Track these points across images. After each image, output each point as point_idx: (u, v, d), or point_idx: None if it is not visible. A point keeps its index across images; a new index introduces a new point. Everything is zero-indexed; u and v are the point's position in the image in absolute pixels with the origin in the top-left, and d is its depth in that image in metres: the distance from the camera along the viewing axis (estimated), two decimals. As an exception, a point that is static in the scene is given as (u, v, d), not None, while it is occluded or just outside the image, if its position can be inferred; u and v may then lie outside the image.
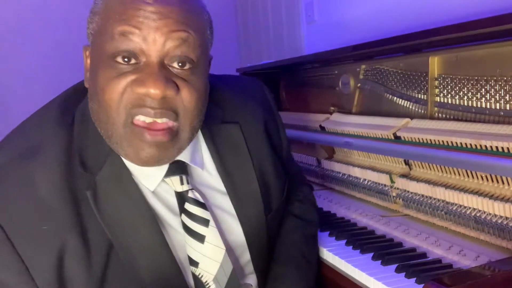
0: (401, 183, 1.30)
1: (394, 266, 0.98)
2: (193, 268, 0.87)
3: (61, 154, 0.77)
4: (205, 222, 0.87)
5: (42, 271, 0.72)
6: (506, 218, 1.01)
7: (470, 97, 1.17)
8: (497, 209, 1.02)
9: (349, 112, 1.63)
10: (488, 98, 1.12)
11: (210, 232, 0.87)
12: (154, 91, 0.74)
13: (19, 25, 2.40)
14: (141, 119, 0.77)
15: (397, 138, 1.31)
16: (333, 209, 1.42)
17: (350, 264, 1.02)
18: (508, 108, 1.07)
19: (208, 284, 0.87)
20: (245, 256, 0.96)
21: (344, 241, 1.15)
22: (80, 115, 0.84)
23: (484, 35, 1.05)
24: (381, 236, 1.18)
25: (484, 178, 1.09)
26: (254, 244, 0.96)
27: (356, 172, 1.49)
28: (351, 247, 1.11)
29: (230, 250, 0.92)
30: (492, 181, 1.07)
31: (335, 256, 1.07)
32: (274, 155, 1.03)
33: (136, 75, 0.75)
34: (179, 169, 0.87)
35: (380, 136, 1.37)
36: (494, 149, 1.03)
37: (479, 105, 1.15)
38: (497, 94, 1.10)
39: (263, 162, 0.99)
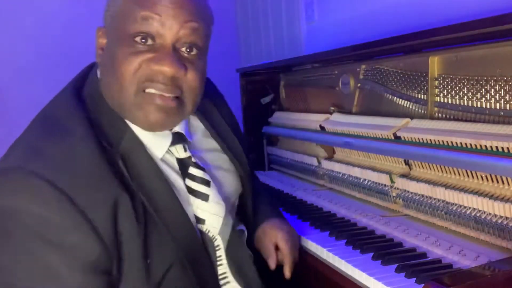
0: (401, 183, 1.30)
1: (394, 266, 0.98)
2: (200, 226, 0.97)
3: (90, 133, 0.86)
4: (207, 183, 0.99)
5: (104, 227, 0.80)
6: (506, 218, 1.01)
7: (470, 97, 1.17)
8: (497, 209, 1.02)
9: (349, 112, 1.63)
10: (488, 98, 1.12)
11: (212, 191, 0.99)
12: (168, 69, 0.87)
13: (19, 25, 2.40)
14: (151, 91, 0.89)
15: (397, 138, 1.31)
16: (333, 209, 1.43)
17: (350, 264, 1.02)
18: (508, 108, 1.07)
19: (214, 237, 0.99)
20: (235, 207, 1.12)
21: (344, 241, 1.15)
22: (90, 99, 0.92)
23: (484, 35, 1.05)
24: (381, 236, 1.18)
25: (484, 178, 1.09)
26: (245, 193, 1.14)
27: (356, 172, 1.49)
28: (351, 247, 1.11)
29: (226, 203, 1.03)
30: (492, 181, 1.07)
31: (335, 256, 1.07)
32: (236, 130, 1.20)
33: (153, 54, 0.87)
34: (181, 139, 0.99)
35: (380, 136, 1.37)
36: (494, 149, 1.03)
37: (479, 105, 1.15)
38: (497, 94, 1.10)
39: (234, 131, 1.16)
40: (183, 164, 0.98)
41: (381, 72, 1.48)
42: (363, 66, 1.57)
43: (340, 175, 1.58)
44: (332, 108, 1.71)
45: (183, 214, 0.92)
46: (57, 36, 2.38)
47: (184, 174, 0.97)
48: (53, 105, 0.93)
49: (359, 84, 1.59)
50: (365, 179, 1.45)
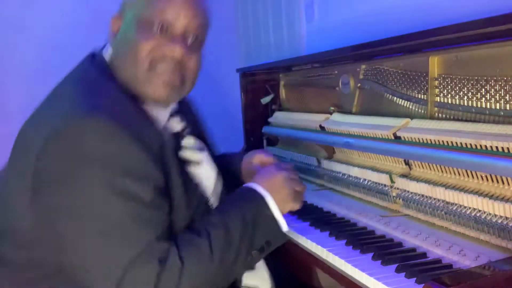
0: (401, 183, 1.30)
1: (394, 266, 0.98)
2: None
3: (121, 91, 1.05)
4: (200, 150, 1.18)
5: (159, 162, 0.98)
6: (506, 218, 1.01)
7: (470, 97, 1.17)
8: (497, 209, 1.02)
9: (349, 112, 1.63)
10: (488, 98, 1.12)
11: (204, 156, 1.18)
12: (179, 52, 1.04)
13: (20, 25, 2.40)
14: (162, 68, 1.05)
15: (397, 138, 1.31)
16: (333, 209, 1.42)
17: (350, 264, 1.02)
18: (508, 108, 1.07)
19: (208, 197, 1.15)
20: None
21: (344, 241, 1.15)
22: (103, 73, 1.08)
23: (484, 35, 1.05)
24: (381, 236, 1.18)
25: (484, 178, 1.09)
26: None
27: (356, 172, 1.49)
28: (351, 247, 1.11)
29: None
30: (492, 181, 1.07)
31: (335, 256, 1.07)
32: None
33: (166, 40, 1.04)
34: (177, 112, 1.17)
35: (380, 136, 1.37)
36: (494, 149, 1.03)
37: (479, 105, 1.15)
38: (497, 94, 1.10)
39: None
40: (178, 137, 1.14)
41: (381, 72, 1.48)
42: (363, 66, 1.57)
43: (340, 175, 1.58)
44: (332, 108, 1.71)
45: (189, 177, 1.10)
46: (58, 36, 2.38)
47: (179, 147, 1.13)
48: (78, 72, 1.08)
49: (359, 84, 1.59)
50: (365, 179, 1.45)
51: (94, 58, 1.10)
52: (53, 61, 2.31)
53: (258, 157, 1.37)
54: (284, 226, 1.08)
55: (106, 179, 0.91)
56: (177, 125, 1.16)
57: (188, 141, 1.16)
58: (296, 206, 1.13)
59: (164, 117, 1.12)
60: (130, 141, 0.93)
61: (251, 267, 1.08)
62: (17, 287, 1.01)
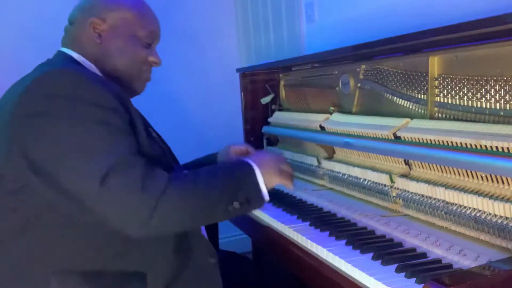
0: (401, 183, 1.30)
1: (394, 266, 0.98)
2: None
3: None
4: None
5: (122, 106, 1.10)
6: (506, 218, 1.01)
7: (470, 97, 1.17)
8: (497, 209, 1.02)
9: (349, 112, 1.63)
10: (488, 98, 1.12)
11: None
12: (160, 60, 1.32)
13: (20, 25, 2.40)
14: (147, 70, 1.31)
15: (397, 138, 1.31)
16: (333, 209, 1.42)
17: (350, 264, 1.02)
18: (508, 108, 1.07)
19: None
20: None
21: (344, 241, 1.15)
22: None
23: (484, 35, 1.05)
24: (381, 236, 1.18)
25: (484, 178, 1.09)
26: None
27: (356, 172, 1.49)
28: (351, 247, 1.11)
29: None
30: (492, 181, 1.07)
31: (335, 256, 1.07)
32: None
33: (150, 50, 1.30)
34: None
35: (380, 136, 1.37)
36: (494, 149, 1.03)
37: (479, 105, 1.15)
38: (497, 94, 1.10)
39: None
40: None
41: (381, 72, 1.48)
42: (363, 66, 1.57)
43: (340, 175, 1.58)
44: (332, 108, 1.71)
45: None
46: (58, 37, 2.38)
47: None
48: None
49: (359, 84, 1.59)
50: (365, 179, 1.45)
51: (59, 56, 1.25)
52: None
53: (233, 150, 1.48)
54: (266, 196, 1.14)
55: (80, 111, 1.03)
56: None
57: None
58: (284, 181, 1.21)
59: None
60: (99, 86, 1.07)
61: (229, 217, 1.13)
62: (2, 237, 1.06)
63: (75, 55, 1.24)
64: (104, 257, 1.07)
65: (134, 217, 1.00)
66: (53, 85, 1.05)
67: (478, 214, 1.07)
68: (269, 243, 1.39)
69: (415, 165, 1.31)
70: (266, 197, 1.14)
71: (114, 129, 1.05)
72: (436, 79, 1.27)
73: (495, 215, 1.03)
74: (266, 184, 1.13)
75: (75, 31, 1.26)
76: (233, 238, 2.52)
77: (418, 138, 1.23)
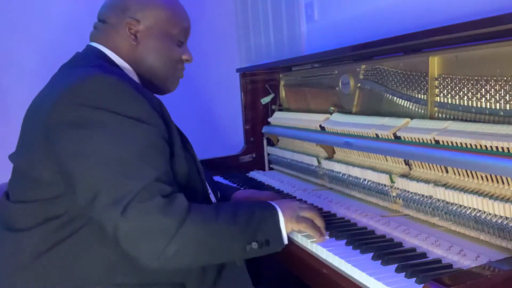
0: (401, 183, 1.30)
1: (394, 266, 0.98)
2: None
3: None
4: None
5: (161, 118, 1.10)
6: (506, 218, 1.01)
7: (470, 97, 1.17)
8: (497, 209, 1.02)
9: (349, 112, 1.63)
10: (488, 98, 1.12)
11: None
12: (192, 57, 1.33)
13: (20, 26, 2.40)
14: (181, 69, 1.33)
15: (397, 138, 1.31)
16: (333, 209, 1.42)
17: (350, 264, 1.02)
18: (508, 108, 1.07)
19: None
20: None
21: (344, 241, 1.15)
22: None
23: (484, 35, 1.05)
24: (381, 236, 1.18)
25: (484, 178, 1.09)
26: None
27: (356, 172, 1.49)
28: (351, 247, 1.11)
29: None
30: (492, 181, 1.07)
31: (335, 256, 1.07)
32: None
33: (184, 49, 1.32)
34: None
35: (380, 136, 1.37)
36: (494, 149, 1.03)
37: (479, 105, 1.15)
38: (497, 94, 1.10)
39: None
40: None
41: (381, 72, 1.48)
42: (363, 66, 1.57)
43: (340, 175, 1.58)
44: (332, 108, 1.71)
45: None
46: (59, 37, 2.38)
47: None
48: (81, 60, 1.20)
49: (359, 84, 1.59)
50: (365, 179, 1.45)
51: (85, 53, 1.23)
52: (54, 61, 2.32)
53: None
54: (285, 238, 1.12)
55: (119, 125, 1.01)
56: None
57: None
58: (304, 230, 1.17)
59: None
60: (138, 95, 1.05)
61: (246, 257, 1.12)
62: (40, 248, 1.05)
63: (110, 53, 1.22)
64: (140, 269, 1.04)
65: (150, 246, 0.98)
66: (90, 93, 1.02)
67: (478, 214, 1.07)
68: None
69: (415, 165, 1.31)
70: (286, 240, 1.13)
71: (148, 149, 1.02)
72: (436, 79, 1.27)
73: (495, 215, 1.03)
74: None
75: (108, 30, 1.24)
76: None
77: (418, 138, 1.23)
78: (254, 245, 1.07)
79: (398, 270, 0.96)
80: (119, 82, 1.05)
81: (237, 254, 1.08)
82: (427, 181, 1.22)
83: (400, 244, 1.11)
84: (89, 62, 1.16)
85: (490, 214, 1.04)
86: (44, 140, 1.03)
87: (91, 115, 1.01)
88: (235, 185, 1.80)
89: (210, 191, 1.28)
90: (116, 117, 1.01)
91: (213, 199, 1.28)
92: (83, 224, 1.04)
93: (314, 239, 1.16)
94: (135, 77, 1.23)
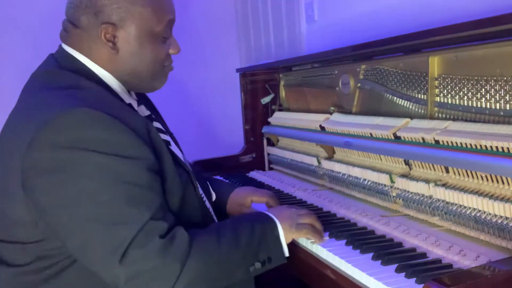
0: (401, 183, 1.30)
1: (394, 266, 0.98)
2: None
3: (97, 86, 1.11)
4: (166, 131, 1.27)
5: (147, 142, 1.02)
6: (506, 218, 1.01)
7: (470, 97, 1.17)
8: (497, 209, 1.02)
9: (349, 112, 1.63)
10: (488, 98, 1.12)
11: (171, 138, 1.25)
12: (179, 50, 1.19)
13: (19, 25, 2.40)
14: (168, 65, 1.19)
15: (397, 138, 1.31)
16: (333, 209, 1.42)
17: (350, 264, 1.02)
18: (508, 108, 1.07)
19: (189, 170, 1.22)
20: None
21: (344, 241, 1.15)
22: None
23: (484, 35, 1.05)
24: (381, 236, 1.18)
25: (484, 178, 1.09)
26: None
27: (356, 172, 1.49)
28: (351, 247, 1.11)
29: None
30: (492, 181, 1.07)
31: (335, 256, 1.07)
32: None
33: (169, 43, 1.16)
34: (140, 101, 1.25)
35: (380, 136, 1.37)
36: (494, 149, 1.03)
37: (479, 105, 1.15)
38: (497, 94, 1.10)
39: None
40: (147, 118, 1.17)
41: (381, 72, 1.48)
42: (363, 66, 1.57)
43: (340, 175, 1.58)
44: (332, 108, 1.71)
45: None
46: (57, 36, 2.38)
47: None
48: (51, 77, 1.09)
49: (359, 84, 1.59)
50: (365, 179, 1.45)
51: (60, 61, 1.12)
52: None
53: (253, 200, 1.43)
54: (286, 251, 1.12)
55: (99, 165, 0.94)
56: (145, 111, 1.23)
57: (156, 124, 1.22)
58: (305, 236, 1.17)
59: (135, 105, 1.19)
60: (119, 126, 0.97)
61: (249, 277, 1.10)
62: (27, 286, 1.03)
63: (86, 61, 1.10)
64: None
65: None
66: (67, 132, 0.94)
67: (478, 214, 1.07)
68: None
69: (415, 165, 1.31)
70: (286, 253, 1.12)
71: (136, 187, 0.96)
72: (436, 79, 1.27)
73: (495, 215, 1.03)
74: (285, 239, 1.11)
75: (82, 36, 1.09)
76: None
77: (418, 138, 1.23)
78: (257, 265, 1.06)
79: (398, 270, 0.96)
80: (100, 114, 0.95)
81: (241, 277, 1.07)
82: (427, 181, 1.22)
83: (400, 244, 1.11)
84: (66, 78, 1.06)
85: (490, 214, 1.04)
86: (21, 187, 0.96)
87: (68, 157, 0.93)
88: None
89: (205, 198, 1.25)
90: (96, 156, 0.93)
91: (208, 205, 1.26)
92: (72, 261, 1.01)
93: (313, 240, 1.17)
94: (115, 85, 1.12)
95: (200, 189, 1.22)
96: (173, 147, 1.21)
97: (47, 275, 1.01)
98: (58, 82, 1.06)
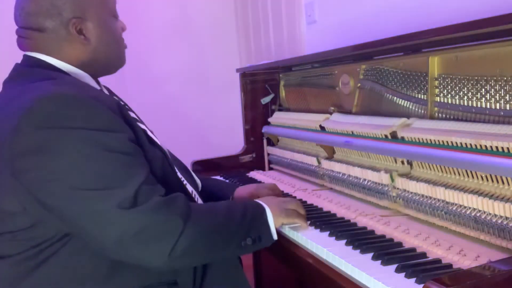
0: (401, 183, 1.30)
1: (394, 266, 0.98)
2: None
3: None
4: (140, 121, 1.28)
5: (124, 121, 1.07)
6: (506, 218, 1.01)
7: (470, 97, 1.17)
8: (497, 209, 1.02)
9: (349, 112, 1.63)
10: (488, 98, 1.12)
11: (146, 128, 1.27)
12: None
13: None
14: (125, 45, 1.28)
15: (397, 138, 1.31)
16: (333, 209, 1.42)
17: (350, 264, 1.02)
18: (508, 108, 1.07)
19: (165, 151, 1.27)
20: None
21: (344, 241, 1.15)
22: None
23: (484, 35, 1.05)
24: (381, 236, 1.18)
25: (484, 178, 1.09)
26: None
27: (356, 172, 1.49)
28: (351, 247, 1.11)
29: None
30: (492, 181, 1.07)
31: (335, 256, 1.07)
32: None
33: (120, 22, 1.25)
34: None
35: (380, 136, 1.37)
36: (494, 149, 1.03)
37: (479, 105, 1.15)
38: (497, 94, 1.10)
39: None
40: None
41: (381, 72, 1.48)
42: (363, 66, 1.57)
43: (340, 175, 1.58)
44: (332, 108, 1.71)
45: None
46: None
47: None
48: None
49: (359, 84, 1.59)
50: (365, 179, 1.45)
51: (35, 63, 1.15)
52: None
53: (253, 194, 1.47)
54: (274, 235, 1.18)
55: (84, 139, 0.98)
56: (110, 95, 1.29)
57: (132, 114, 1.24)
58: (292, 221, 1.25)
59: (106, 92, 1.26)
60: (97, 103, 1.02)
61: (240, 253, 1.18)
62: (21, 275, 1.04)
63: (55, 62, 1.14)
64: (138, 274, 1.07)
65: (160, 245, 0.98)
66: (50, 114, 0.98)
67: (478, 214, 1.07)
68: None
69: (415, 165, 1.31)
70: (275, 236, 1.18)
71: (125, 156, 1.01)
72: (436, 79, 1.27)
73: (495, 215, 1.03)
74: (274, 223, 1.18)
75: (50, 38, 1.13)
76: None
77: (418, 138, 1.23)
78: (249, 240, 1.11)
79: (398, 270, 0.96)
80: (78, 95, 1.01)
81: (234, 249, 1.11)
82: (427, 181, 1.22)
83: (400, 244, 1.11)
84: (37, 74, 1.10)
85: (490, 214, 1.04)
86: (10, 174, 0.99)
87: (54, 136, 0.97)
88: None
89: (186, 181, 1.28)
90: (81, 131, 0.98)
91: (189, 188, 1.29)
92: (63, 244, 1.03)
93: (300, 227, 1.25)
94: (87, 79, 1.17)
95: (178, 173, 1.25)
96: (149, 133, 1.25)
97: (40, 260, 1.03)
98: (31, 79, 1.09)
